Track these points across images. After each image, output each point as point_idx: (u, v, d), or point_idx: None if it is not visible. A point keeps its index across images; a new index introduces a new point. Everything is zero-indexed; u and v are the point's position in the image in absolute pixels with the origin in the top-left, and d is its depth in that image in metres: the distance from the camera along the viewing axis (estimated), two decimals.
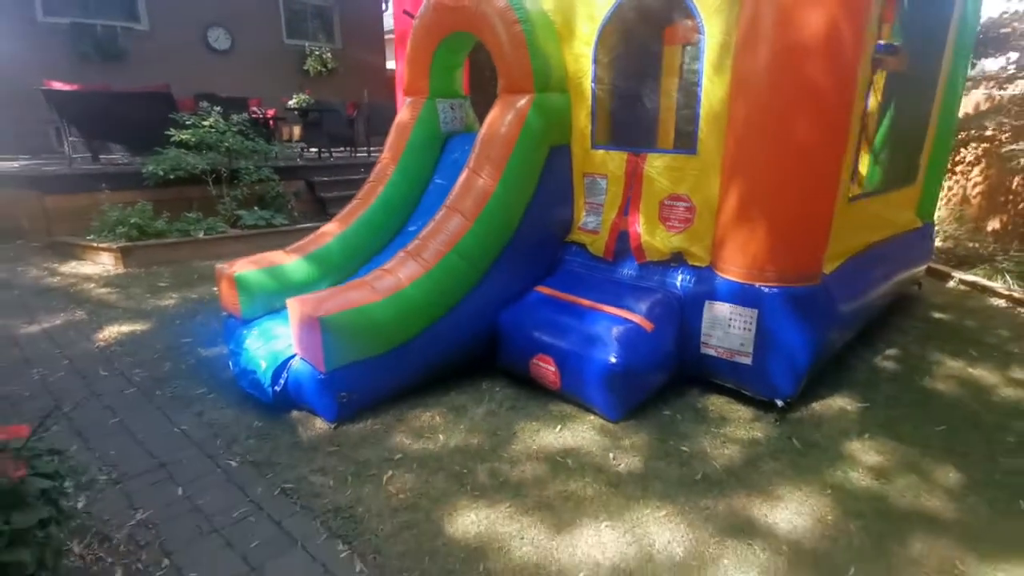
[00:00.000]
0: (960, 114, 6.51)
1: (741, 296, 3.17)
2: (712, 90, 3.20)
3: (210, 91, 9.34)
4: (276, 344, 3.38)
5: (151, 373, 3.74)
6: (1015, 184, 6.78)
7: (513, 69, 3.65)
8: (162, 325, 4.55)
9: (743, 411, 3.33)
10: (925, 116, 4.71)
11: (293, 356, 3.26)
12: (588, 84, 3.70)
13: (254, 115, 10.07)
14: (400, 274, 3.32)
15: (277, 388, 3.22)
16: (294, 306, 3.12)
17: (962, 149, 6.61)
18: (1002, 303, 5.41)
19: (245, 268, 3.75)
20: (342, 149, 9.79)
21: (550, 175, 3.76)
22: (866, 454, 2.95)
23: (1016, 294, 5.42)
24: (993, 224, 7.00)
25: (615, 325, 3.22)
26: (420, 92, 4.32)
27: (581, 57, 3.70)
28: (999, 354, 4.21)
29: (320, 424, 3.15)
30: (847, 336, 3.89)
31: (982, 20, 6.53)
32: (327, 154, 9.12)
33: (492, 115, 3.70)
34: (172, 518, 2.44)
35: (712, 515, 2.49)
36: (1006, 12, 6.08)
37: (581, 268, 3.88)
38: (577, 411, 3.31)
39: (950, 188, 7.22)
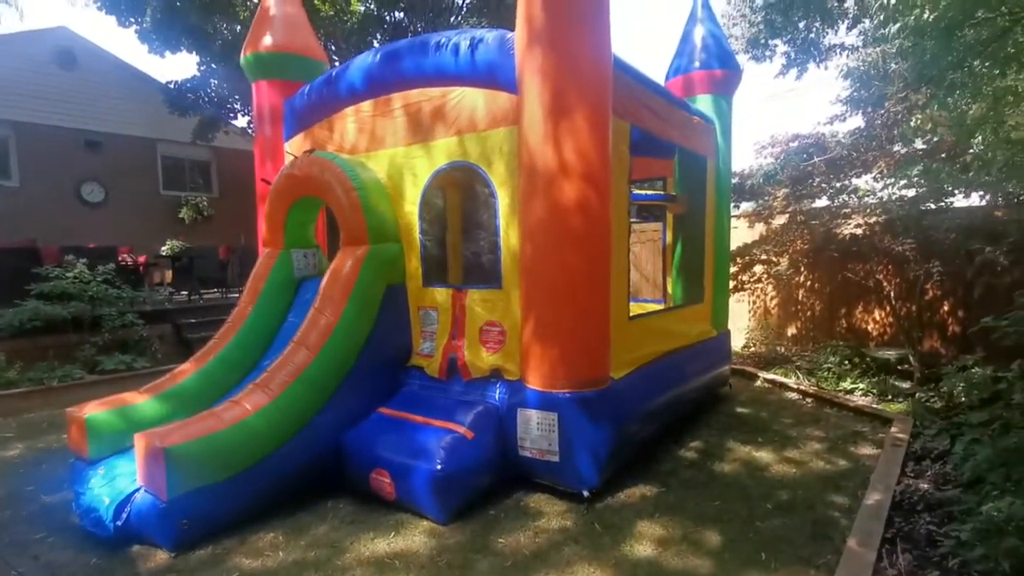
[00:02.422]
0: (742, 243, 8.07)
1: (543, 402, 3.81)
2: (507, 239, 4.05)
3: (82, 241, 9.48)
4: (120, 481, 3.53)
5: None
6: (800, 296, 8.29)
7: (352, 226, 4.36)
8: (3, 475, 4.45)
9: (559, 505, 3.84)
10: (702, 247, 5.91)
11: (137, 491, 3.41)
12: (417, 235, 4.47)
13: (124, 262, 10.20)
14: (247, 404, 3.67)
15: (119, 523, 3.34)
16: (140, 440, 3.35)
17: (752, 270, 8.09)
18: (794, 395, 6.50)
19: (96, 410, 3.92)
20: (215, 291, 10.05)
21: (388, 310, 4.38)
22: (652, 529, 3.51)
23: (803, 387, 6.54)
24: (791, 330, 8.40)
25: (440, 436, 3.71)
26: (276, 244, 4.92)
27: (410, 214, 4.50)
28: (779, 438, 5.09)
29: (161, 555, 3.28)
30: (650, 429, 4.60)
31: (741, 170, 8.34)
32: (197, 297, 9.34)
33: (335, 263, 4.33)
34: None
35: None
36: (750, 167, 7.90)
37: (420, 388, 4.40)
38: (413, 519, 3.66)
39: (754, 302, 8.66)
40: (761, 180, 7.38)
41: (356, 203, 4.33)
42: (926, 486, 3.92)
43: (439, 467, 3.51)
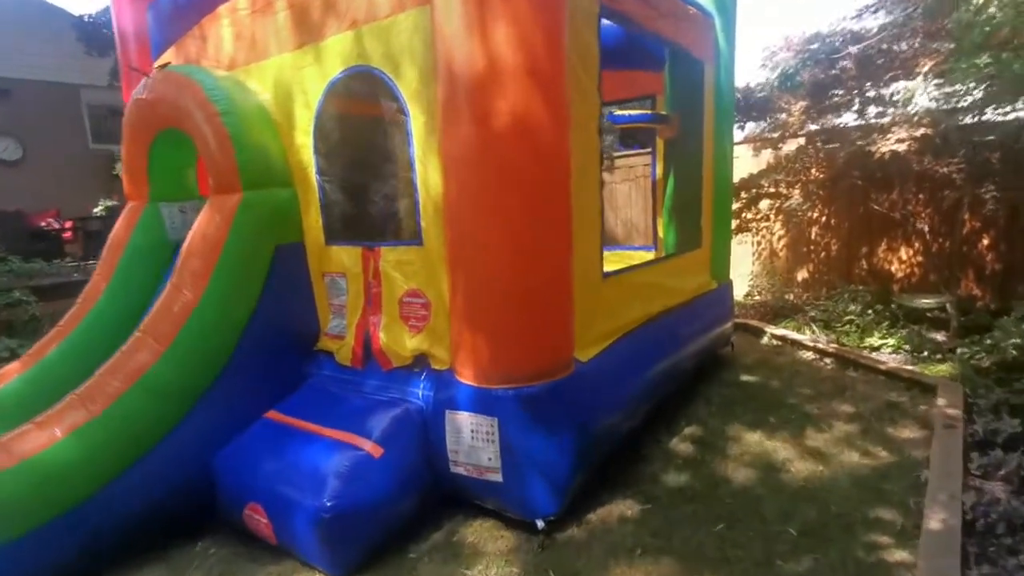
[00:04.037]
0: (746, 173, 6.86)
1: (479, 402, 2.74)
2: (426, 174, 2.88)
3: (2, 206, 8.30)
4: None
5: None
6: (813, 235, 7.15)
7: (219, 167, 3.17)
8: None
9: (505, 538, 2.82)
10: (699, 179, 4.72)
11: None
12: (313, 175, 3.30)
13: (49, 227, 9.03)
14: (57, 427, 2.61)
15: None
16: None
17: (756, 206, 6.90)
18: (809, 355, 5.45)
19: None
20: None
21: (280, 278, 3.25)
22: None
23: (820, 344, 5.49)
24: (801, 274, 7.30)
25: (336, 456, 2.66)
26: (140, 197, 3.74)
27: (303, 148, 3.31)
28: (797, 418, 4.06)
29: None
30: (633, 421, 3.56)
31: (745, 84, 7.02)
32: None
33: (199, 220, 3.17)
34: None
35: None
36: (762, 80, 6.56)
37: (329, 382, 3.32)
38: (304, 569, 2.66)
39: (758, 243, 7.51)
40: (776, 85, 6.05)
41: (222, 134, 3.13)
42: (1003, 494, 2.90)
43: (329, 504, 2.47)
